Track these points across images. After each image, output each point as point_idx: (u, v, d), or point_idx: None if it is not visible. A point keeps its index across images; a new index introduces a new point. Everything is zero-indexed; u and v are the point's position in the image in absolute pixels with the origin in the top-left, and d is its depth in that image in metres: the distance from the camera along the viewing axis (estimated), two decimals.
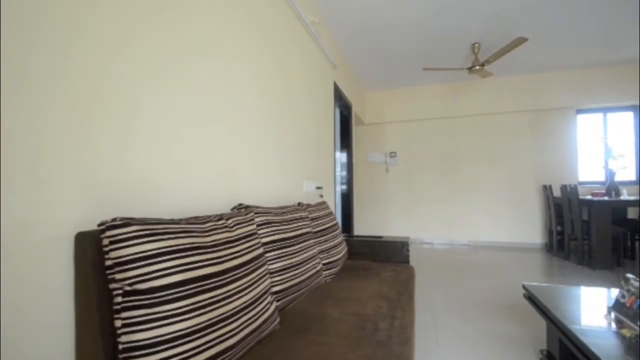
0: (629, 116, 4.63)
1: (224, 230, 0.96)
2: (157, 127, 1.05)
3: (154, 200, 1.03)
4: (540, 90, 4.77)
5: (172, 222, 0.84)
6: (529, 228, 4.83)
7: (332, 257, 1.80)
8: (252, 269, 1.00)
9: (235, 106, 1.52)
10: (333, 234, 1.94)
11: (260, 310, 0.99)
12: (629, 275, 1.35)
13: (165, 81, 1.09)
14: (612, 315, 1.33)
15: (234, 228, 1.01)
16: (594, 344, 1.09)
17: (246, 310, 0.91)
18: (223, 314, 0.82)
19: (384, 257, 2.25)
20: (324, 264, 1.72)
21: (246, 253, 1.00)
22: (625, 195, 3.86)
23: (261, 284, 1.03)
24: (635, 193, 4.36)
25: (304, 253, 1.47)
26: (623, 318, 1.27)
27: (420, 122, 5.38)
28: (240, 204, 1.30)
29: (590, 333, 1.19)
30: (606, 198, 3.64)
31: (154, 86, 1.04)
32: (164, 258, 0.75)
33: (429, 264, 3.88)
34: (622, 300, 1.33)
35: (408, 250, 2.24)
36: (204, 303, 0.78)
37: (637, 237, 3.96)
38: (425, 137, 5.37)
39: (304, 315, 1.24)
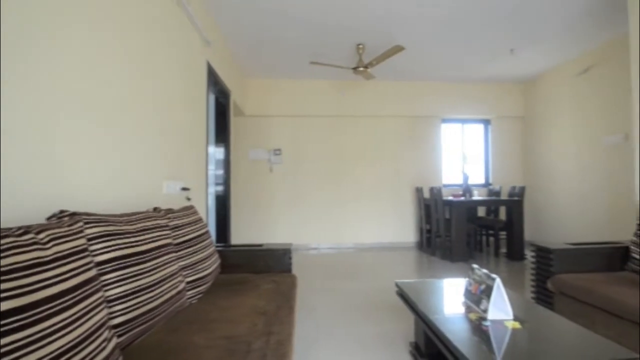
0: (480, 128, 6.08)
1: (31, 248, 0.78)
2: None
3: None
4: (415, 98, 5.76)
5: None
6: (407, 228, 5.75)
7: (199, 272, 1.70)
8: (77, 298, 0.85)
9: (68, 78, 1.26)
10: (201, 244, 1.84)
11: (93, 351, 0.85)
12: (474, 266, 1.75)
13: None
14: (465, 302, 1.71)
15: (49, 245, 0.83)
16: (448, 330, 1.38)
17: (68, 355, 0.76)
18: None
19: (264, 268, 2.27)
20: (188, 282, 1.61)
21: (67, 278, 0.84)
22: (476, 196, 5.04)
23: (93, 316, 0.89)
24: (484, 194, 5.75)
25: (160, 271, 1.34)
26: (470, 303, 1.65)
27: (307, 118, 5.68)
28: (62, 211, 1.08)
29: (447, 321, 1.49)
30: (463, 199, 4.67)
31: None
32: None
33: (313, 270, 4.15)
34: (469, 288, 1.72)
35: (290, 258, 2.33)
36: None
37: (484, 233, 5.25)
38: (312, 134, 5.70)
39: (159, 348, 1.14)
